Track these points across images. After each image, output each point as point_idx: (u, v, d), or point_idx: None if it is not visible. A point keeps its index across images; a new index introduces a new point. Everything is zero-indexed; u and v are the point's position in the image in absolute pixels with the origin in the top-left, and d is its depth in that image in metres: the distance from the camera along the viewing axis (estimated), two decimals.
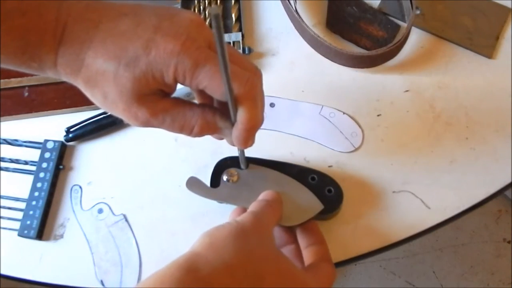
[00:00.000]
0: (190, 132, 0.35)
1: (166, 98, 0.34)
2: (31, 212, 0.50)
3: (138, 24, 0.31)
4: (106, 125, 0.53)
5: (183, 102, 0.35)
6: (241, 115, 0.33)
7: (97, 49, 0.31)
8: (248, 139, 0.35)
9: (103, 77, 0.31)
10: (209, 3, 0.58)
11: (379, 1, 0.57)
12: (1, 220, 0.51)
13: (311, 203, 0.45)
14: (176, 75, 0.31)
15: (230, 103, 0.32)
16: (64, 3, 0.31)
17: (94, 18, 0.31)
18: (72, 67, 0.31)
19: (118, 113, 0.33)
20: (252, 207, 0.40)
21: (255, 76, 0.33)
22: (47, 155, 0.52)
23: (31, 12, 0.30)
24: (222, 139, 0.40)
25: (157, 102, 0.33)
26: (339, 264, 0.47)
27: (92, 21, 0.31)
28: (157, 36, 0.30)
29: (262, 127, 0.52)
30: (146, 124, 0.34)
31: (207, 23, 0.57)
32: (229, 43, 0.55)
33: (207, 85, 0.31)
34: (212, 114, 0.35)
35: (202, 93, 0.37)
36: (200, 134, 0.35)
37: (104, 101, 0.32)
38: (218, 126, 0.35)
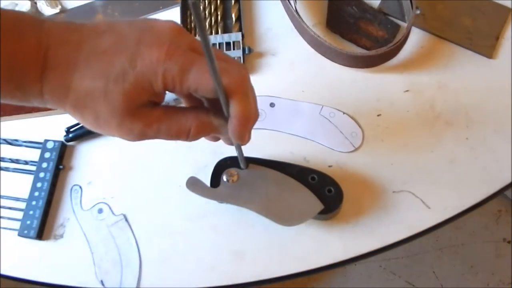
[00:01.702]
0: (187, 136, 0.34)
1: (157, 107, 0.33)
2: (31, 212, 0.50)
3: (120, 39, 0.31)
4: None
5: (174, 108, 0.35)
6: (234, 109, 0.32)
7: (82, 70, 0.30)
8: (244, 133, 0.34)
9: (92, 97, 0.31)
10: (209, 3, 0.58)
11: (379, 1, 0.57)
12: (1, 220, 0.51)
13: (311, 203, 0.45)
14: (165, 83, 0.31)
15: (222, 98, 0.32)
16: (43, 26, 0.31)
17: (75, 40, 0.31)
18: (59, 92, 0.31)
19: (111, 131, 0.33)
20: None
21: (243, 69, 0.33)
22: (47, 155, 0.52)
23: (14, 36, 0.30)
24: (217, 140, 0.40)
25: (149, 112, 0.33)
26: (339, 264, 0.47)
27: (74, 43, 0.31)
28: (140, 48, 0.30)
29: (262, 127, 0.52)
30: (141, 136, 0.33)
31: (207, 22, 0.57)
32: (229, 43, 0.55)
33: (197, 86, 0.31)
34: (206, 114, 0.35)
35: (190, 97, 0.37)
36: (197, 135, 0.35)
37: (96, 121, 0.32)
38: (214, 125, 0.35)
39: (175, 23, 0.32)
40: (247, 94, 0.33)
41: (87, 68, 0.30)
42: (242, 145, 0.37)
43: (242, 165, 0.45)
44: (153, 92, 0.31)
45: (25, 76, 0.30)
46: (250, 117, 0.33)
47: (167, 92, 0.33)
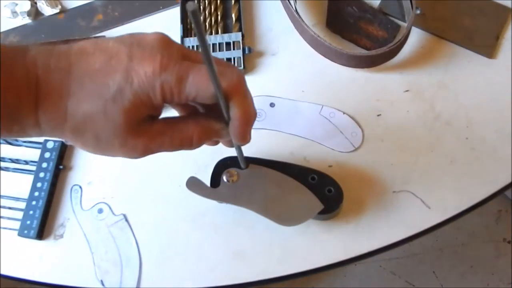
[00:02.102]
0: (191, 144, 0.34)
1: (157, 121, 0.33)
2: (31, 212, 0.50)
3: (110, 58, 0.30)
4: None
5: (173, 119, 0.35)
6: (235, 111, 0.32)
7: (77, 95, 0.30)
8: (246, 133, 0.34)
9: (91, 119, 0.30)
10: (209, 3, 0.58)
11: (379, 1, 0.57)
12: (1, 220, 0.51)
13: (311, 203, 0.45)
14: (163, 95, 0.31)
15: (222, 102, 0.32)
16: (27, 56, 0.30)
17: (63, 65, 0.30)
18: (56, 119, 0.30)
19: (115, 151, 0.33)
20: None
21: (238, 71, 0.33)
22: (47, 155, 0.52)
23: (2, 72, 0.29)
24: (217, 144, 0.40)
25: (150, 127, 0.33)
26: (339, 264, 0.47)
27: (63, 69, 0.30)
28: (133, 63, 0.30)
29: (262, 127, 0.52)
30: (146, 152, 0.33)
31: (207, 22, 0.57)
32: (229, 43, 0.55)
33: (197, 93, 0.31)
34: (205, 119, 0.35)
35: (184, 106, 0.37)
36: (200, 142, 0.35)
37: (98, 144, 0.32)
38: (215, 129, 0.35)
39: (162, 34, 0.32)
40: (246, 94, 0.33)
41: (82, 91, 0.30)
42: (243, 145, 0.37)
43: (242, 165, 0.45)
44: (152, 106, 0.31)
45: (20, 110, 0.30)
46: (250, 117, 0.34)
47: None
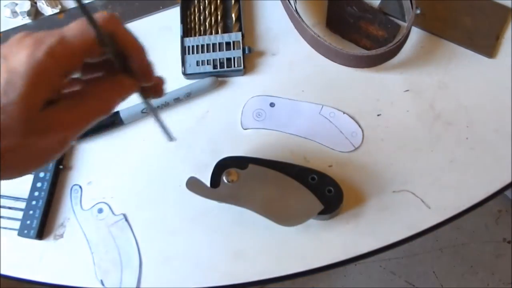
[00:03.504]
0: (108, 111, 0.32)
1: (60, 104, 0.30)
2: (31, 212, 0.50)
3: None
4: (106, 125, 0.53)
5: (77, 94, 0.31)
6: (126, 43, 0.31)
7: None
8: (148, 65, 0.32)
9: None
10: (209, 3, 0.58)
11: (379, 1, 0.57)
12: (1, 220, 0.51)
13: (311, 203, 0.45)
14: (55, 62, 0.28)
15: (104, 38, 0.29)
16: None
17: None
18: None
19: (34, 159, 0.30)
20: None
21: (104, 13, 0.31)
22: None
23: None
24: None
25: (57, 113, 0.29)
26: (339, 264, 0.47)
27: None
28: (9, 60, 0.28)
29: (262, 127, 0.52)
30: (65, 142, 0.30)
31: (207, 22, 0.57)
32: (229, 43, 0.55)
33: (81, 41, 0.29)
34: (108, 81, 0.32)
35: (89, 70, 0.34)
36: (115, 104, 0.32)
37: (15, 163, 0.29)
38: (122, 83, 0.32)
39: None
40: (125, 28, 0.31)
41: None
42: (150, 84, 0.34)
43: (168, 138, 0.38)
44: (49, 82, 0.28)
45: None
46: (141, 46, 0.32)
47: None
